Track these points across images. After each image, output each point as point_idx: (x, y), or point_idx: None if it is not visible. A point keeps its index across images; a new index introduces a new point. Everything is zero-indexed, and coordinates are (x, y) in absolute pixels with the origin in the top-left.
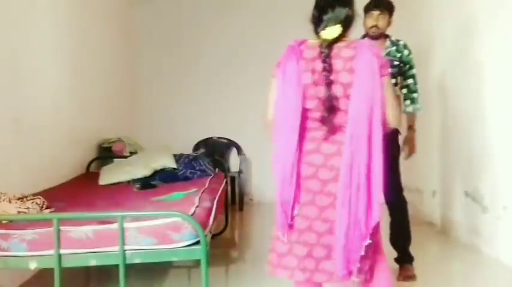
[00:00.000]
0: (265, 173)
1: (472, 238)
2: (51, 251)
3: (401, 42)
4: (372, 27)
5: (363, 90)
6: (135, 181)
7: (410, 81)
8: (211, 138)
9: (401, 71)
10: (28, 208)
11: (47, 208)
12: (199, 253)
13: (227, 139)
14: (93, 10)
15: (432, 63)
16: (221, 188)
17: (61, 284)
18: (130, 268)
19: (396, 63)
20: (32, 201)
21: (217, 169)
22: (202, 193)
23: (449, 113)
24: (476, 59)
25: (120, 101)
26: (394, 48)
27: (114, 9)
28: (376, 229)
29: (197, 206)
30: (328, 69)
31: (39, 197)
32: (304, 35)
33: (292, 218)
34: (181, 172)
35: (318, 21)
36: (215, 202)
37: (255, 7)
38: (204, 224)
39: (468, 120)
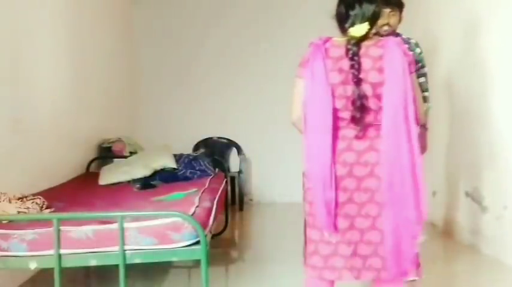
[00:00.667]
0: (265, 173)
1: (473, 238)
2: (51, 251)
3: (412, 41)
4: (384, 25)
5: (396, 89)
6: (135, 181)
7: (422, 79)
8: (211, 138)
9: None
10: (28, 208)
11: (47, 208)
12: (199, 253)
13: (227, 139)
14: (93, 10)
15: (434, 63)
16: (221, 188)
17: (61, 284)
18: (130, 268)
19: None
20: (32, 201)
21: (217, 169)
22: (202, 193)
23: (450, 114)
24: (481, 58)
25: (120, 101)
26: (406, 46)
27: (114, 9)
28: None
29: (197, 206)
30: (357, 68)
31: (39, 197)
32: (304, 35)
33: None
34: (181, 172)
35: (344, 18)
36: (215, 202)
37: (256, 7)
38: (204, 224)
39: (469, 120)
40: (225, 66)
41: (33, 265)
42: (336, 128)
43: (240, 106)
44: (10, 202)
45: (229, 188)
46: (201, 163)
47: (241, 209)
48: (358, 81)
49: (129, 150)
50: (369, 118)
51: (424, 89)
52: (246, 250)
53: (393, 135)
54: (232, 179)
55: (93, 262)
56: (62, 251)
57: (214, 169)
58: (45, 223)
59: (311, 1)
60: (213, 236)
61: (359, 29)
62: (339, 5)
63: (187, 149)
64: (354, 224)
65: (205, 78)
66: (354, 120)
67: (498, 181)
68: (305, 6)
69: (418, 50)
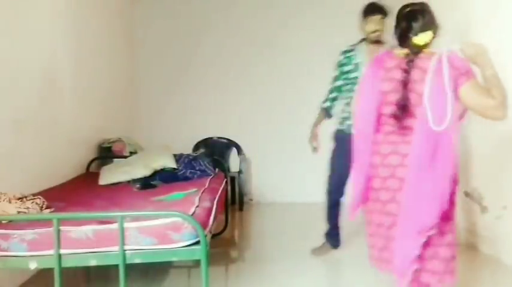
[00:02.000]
0: (265, 173)
1: (472, 238)
2: (51, 251)
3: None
4: (375, 31)
5: (433, 103)
6: (135, 181)
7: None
8: (211, 138)
9: None
10: (28, 208)
11: (47, 208)
12: (199, 253)
13: (227, 139)
14: (93, 9)
15: None
16: (221, 188)
17: (61, 284)
18: (130, 268)
19: None
20: (32, 201)
21: (217, 169)
22: (202, 193)
23: None
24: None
25: (120, 101)
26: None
27: (114, 8)
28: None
29: (197, 206)
30: (407, 78)
31: (39, 197)
32: (304, 35)
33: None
34: (181, 172)
35: (407, 30)
36: (215, 202)
37: (256, 8)
38: (204, 224)
39: (467, 119)
40: (225, 66)
41: (33, 265)
42: (382, 132)
43: (240, 106)
44: (10, 202)
45: (229, 188)
46: (201, 163)
47: (241, 209)
48: (406, 91)
49: (129, 150)
50: (411, 123)
51: None
52: (246, 250)
53: (425, 143)
54: (232, 179)
55: (93, 262)
56: (62, 251)
57: (214, 169)
58: (45, 223)
59: (311, 2)
60: (213, 236)
61: (423, 37)
62: (399, 21)
63: (187, 149)
64: (395, 222)
65: (206, 78)
66: (396, 124)
67: (498, 181)
68: (305, 7)
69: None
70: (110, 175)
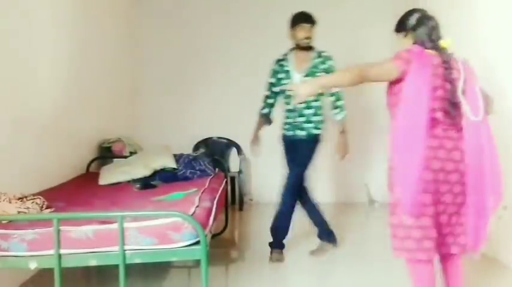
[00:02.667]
0: (265, 173)
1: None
2: (51, 251)
3: (325, 54)
4: (305, 38)
5: (477, 97)
6: (135, 181)
7: (337, 89)
8: (211, 138)
9: None
10: (28, 208)
11: (47, 208)
12: (199, 253)
13: (227, 139)
14: (93, 10)
15: None
16: (221, 188)
17: (61, 284)
18: (130, 268)
19: (321, 73)
20: (32, 201)
21: (217, 169)
22: (202, 193)
23: None
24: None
25: (120, 101)
26: (320, 59)
27: (114, 9)
28: None
29: (197, 206)
30: (451, 75)
31: (39, 197)
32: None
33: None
34: (181, 172)
35: (430, 35)
36: (215, 202)
37: (256, 8)
38: (204, 224)
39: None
40: (225, 66)
41: (33, 265)
42: (439, 127)
43: (240, 106)
44: (10, 202)
45: (229, 188)
46: (201, 163)
47: (241, 209)
48: (453, 87)
49: (129, 150)
50: (458, 118)
51: (339, 98)
52: (246, 250)
53: (476, 134)
54: (232, 179)
55: (93, 262)
56: (62, 251)
57: (214, 169)
58: (45, 223)
59: (311, 3)
60: (213, 236)
61: (449, 42)
62: (420, 27)
63: (187, 149)
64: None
65: (206, 78)
66: (447, 117)
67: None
68: (307, 7)
69: (330, 62)
70: (109, 175)
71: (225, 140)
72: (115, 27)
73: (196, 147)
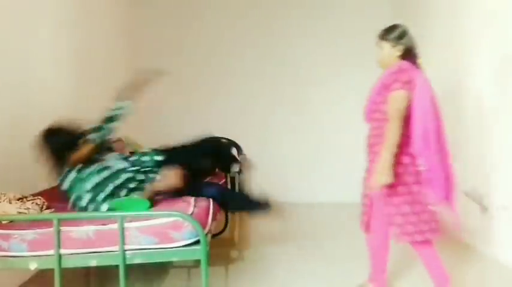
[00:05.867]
0: (265, 173)
1: (472, 238)
2: (51, 251)
3: None
4: None
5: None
6: None
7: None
8: None
9: None
10: (28, 208)
11: (47, 209)
12: (199, 252)
13: (227, 139)
14: (93, 10)
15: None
16: None
17: (61, 284)
18: (130, 268)
19: None
20: (32, 201)
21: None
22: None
23: (451, 114)
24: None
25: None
26: None
27: (114, 9)
28: None
29: (194, 206)
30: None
31: (39, 197)
32: (304, 35)
33: None
34: None
35: (414, 51)
36: (212, 202)
37: (256, 8)
38: (203, 224)
39: (468, 119)
40: (225, 66)
41: (33, 266)
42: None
43: (240, 106)
44: (10, 202)
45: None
46: None
47: None
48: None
49: (129, 150)
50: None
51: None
52: (246, 250)
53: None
54: (232, 179)
55: (93, 262)
56: (62, 251)
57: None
58: (46, 223)
59: (310, 4)
60: (213, 236)
61: (421, 60)
62: (407, 42)
63: None
64: None
65: (206, 78)
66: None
67: (498, 181)
68: (305, 8)
69: None
70: None
71: (225, 140)
72: (115, 27)
73: None
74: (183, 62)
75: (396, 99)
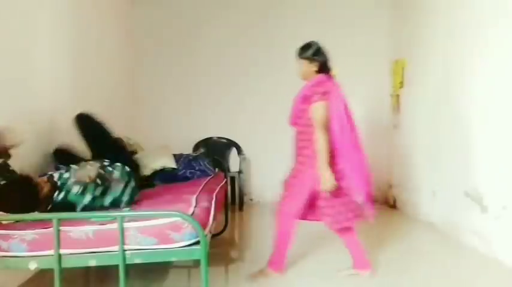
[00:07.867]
0: (265, 173)
1: (472, 238)
2: (51, 252)
3: None
4: None
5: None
6: None
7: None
8: (211, 138)
9: None
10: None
11: None
12: (199, 253)
13: (227, 139)
14: (93, 10)
15: (433, 73)
16: (218, 188)
17: (61, 284)
18: (130, 268)
19: None
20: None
21: (217, 169)
22: (199, 193)
23: (451, 114)
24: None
25: (120, 101)
26: None
27: (114, 9)
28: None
29: (195, 207)
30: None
31: None
32: (304, 37)
33: None
34: (181, 172)
35: (328, 63)
36: (213, 202)
37: (256, 9)
38: (203, 224)
39: (468, 120)
40: (225, 66)
41: (33, 266)
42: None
43: (240, 106)
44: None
45: (229, 188)
46: (201, 163)
47: (241, 209)
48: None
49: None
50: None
51: None
52: (246, 250)
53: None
54: (232, 179)
55: (93, 262)
56: (62, 251)
57: (214, 169)
58: (45, 223)
59: (310, 4)
60: (213, 236)
61: (337, 71)
62: (324, 52)
63: (187, 149)
64: None
65: (206, 78)
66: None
67: (498, 181)
68: (304, 9)
69: None
70: None
71: (225, 140)
72: (115, 28)
73: (196, 147)
74: (183, 62)
75: (318, 109)
